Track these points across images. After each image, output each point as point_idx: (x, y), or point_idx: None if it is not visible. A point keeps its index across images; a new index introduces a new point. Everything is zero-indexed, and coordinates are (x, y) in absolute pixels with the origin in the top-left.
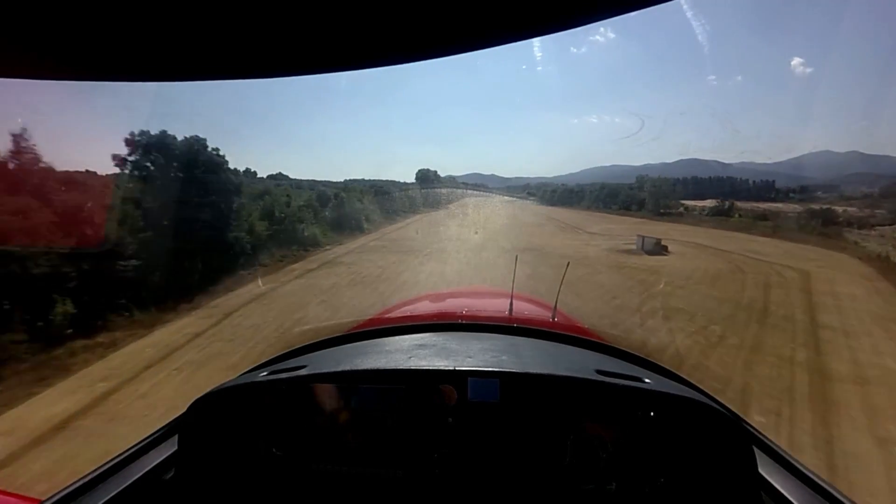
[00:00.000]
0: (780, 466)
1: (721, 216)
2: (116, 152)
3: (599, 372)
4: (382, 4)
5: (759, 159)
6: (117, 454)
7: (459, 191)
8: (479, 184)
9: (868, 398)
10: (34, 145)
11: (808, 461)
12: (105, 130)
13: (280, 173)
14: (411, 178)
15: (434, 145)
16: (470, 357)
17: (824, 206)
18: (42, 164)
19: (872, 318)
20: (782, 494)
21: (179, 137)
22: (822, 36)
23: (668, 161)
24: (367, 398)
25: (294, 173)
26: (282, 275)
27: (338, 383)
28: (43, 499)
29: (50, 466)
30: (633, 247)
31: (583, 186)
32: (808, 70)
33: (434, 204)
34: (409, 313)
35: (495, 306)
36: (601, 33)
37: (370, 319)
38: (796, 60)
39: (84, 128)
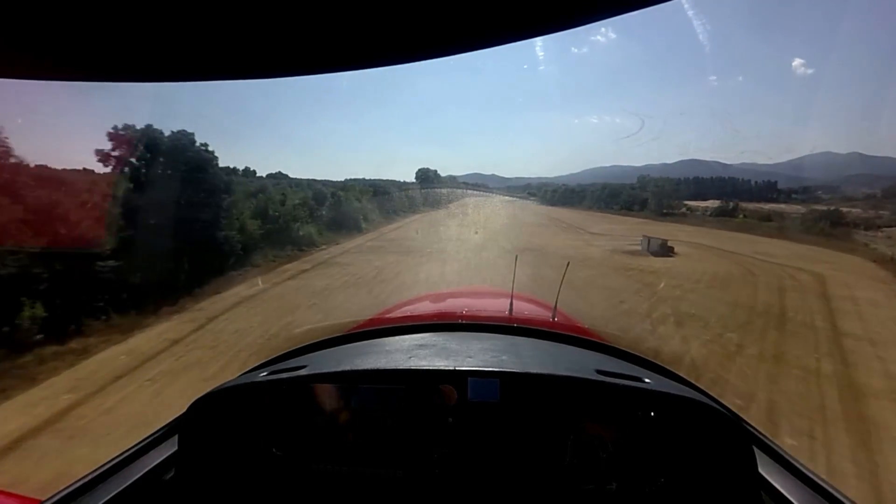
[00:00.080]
0: (780, 466)
1: (725, 217)
2: (99, 148)
3: (599, 372)
4: (382, 4)
5: (760, 160)
6: (117, 454)
7: (460, 190)
8: (480, 183)
9: None
10: (5, 138)
11: (856, 495)
12: (95, 129)
13: (279, 172)
14: (412, 178)
15: (435, 145)
16: (470, 357)
17: (831, 208)
18: (13, 160)
19: None
20: (782, 494)
21: (166, 132)
22: (822, 37)
23: (668, 162)
24: (368, 398)
25: (294, 173)
26: (273, 276)
27: (338, 383)
28: (43, 499)
29: None
30: (638, 248)
31: (584, 186)
32: (809, 71)
33: (434, 203)
34: (409, 313)
35: (495, 306)
36: (602, 33)
37: (370, 319)
38: (797, 61)
39: (71, 126)
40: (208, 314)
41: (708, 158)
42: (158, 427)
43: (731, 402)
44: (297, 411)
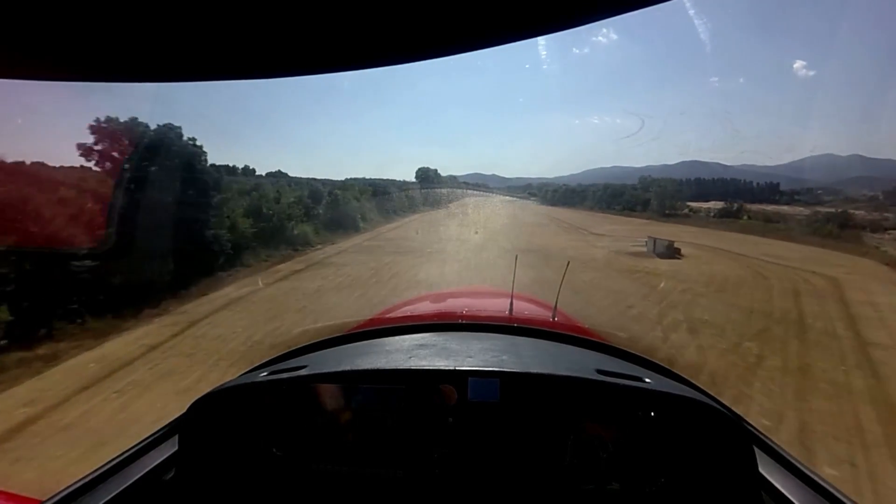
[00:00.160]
0: (781, 466)
1: (729, 218)
2: (80, 142)
3: (600, 371)
4: (383, 4)
5: (761, 161)
6: (117, 454)
7: (460, 190)
8: (480, 183)
9: None
10: None
11: None
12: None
13: (279, 171)
14: (412, 178)
15: (435, 145)
16: (470, 357)
17: (835, 210)
18: None
19: None
20: (782, 494)
21: (152, 126)
22: (823, 38)
23: (669, 163)
24: (368, 398)
25: (295, 172)
26: (264, 276)
27: (338, 383)
28: (43, 499)
29: None
30: (643, 249)
31: (585, 187)
32: (811, 73)
33: (434, 203)
34: (409, 313)
35: (495, 306)
36: (604, 34)
37: (370, 319)
38: (798, 62)
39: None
40: (191, 317)
41: (708, 159)
42: (158, 427)
43: (759, 423)
44: (298, 411)
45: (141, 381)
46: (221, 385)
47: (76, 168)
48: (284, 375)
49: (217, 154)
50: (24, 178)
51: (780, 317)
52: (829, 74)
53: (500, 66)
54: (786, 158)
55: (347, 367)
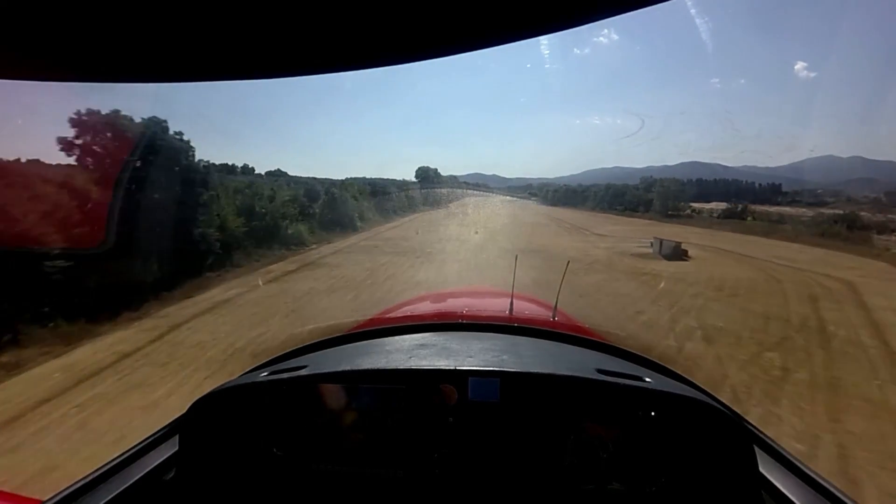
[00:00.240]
0: (781, 465)
1: (733, 219)
2: (61, 136)
3: (600, 371)
4: (382, 4)
5: (762, 162)
6: (118, 454)
7: (460, 190)
8: (481, 183)
9: None
10: None
11: None
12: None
13: (279, 170)
14: (412, 178)
15: (436, 145)
16: (470, 357)
17: (838, 211)
18: None
19: None
20: (783, 493)
21: (136, 119)
22: (823, 40)
23: (669, 164)
24: (368, 398)
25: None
26: (254, 277)
27: (338, 383)
28: (43, 499)
29: None
30: (649, 250)
31: (586, 187)
32: (812, 74)
33: (434, 203)
34: (409, 313)
35: (496, 306)
36: (605, 34)
37: (371, 319)
38: (799, 64)
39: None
40: (173, 321)
41: (709, 160)
42: (159, 427)
43: (792, 448)
44: (298, 411)
45: (106, 393)
46: (222, 385)
47: (51, 164)
48: (285, 375)
49: (217, 154)
50: None
51: (799, 324)
52: (829, 75)
53: (501, 67)
54: (786, 159)
55: (348, 367)
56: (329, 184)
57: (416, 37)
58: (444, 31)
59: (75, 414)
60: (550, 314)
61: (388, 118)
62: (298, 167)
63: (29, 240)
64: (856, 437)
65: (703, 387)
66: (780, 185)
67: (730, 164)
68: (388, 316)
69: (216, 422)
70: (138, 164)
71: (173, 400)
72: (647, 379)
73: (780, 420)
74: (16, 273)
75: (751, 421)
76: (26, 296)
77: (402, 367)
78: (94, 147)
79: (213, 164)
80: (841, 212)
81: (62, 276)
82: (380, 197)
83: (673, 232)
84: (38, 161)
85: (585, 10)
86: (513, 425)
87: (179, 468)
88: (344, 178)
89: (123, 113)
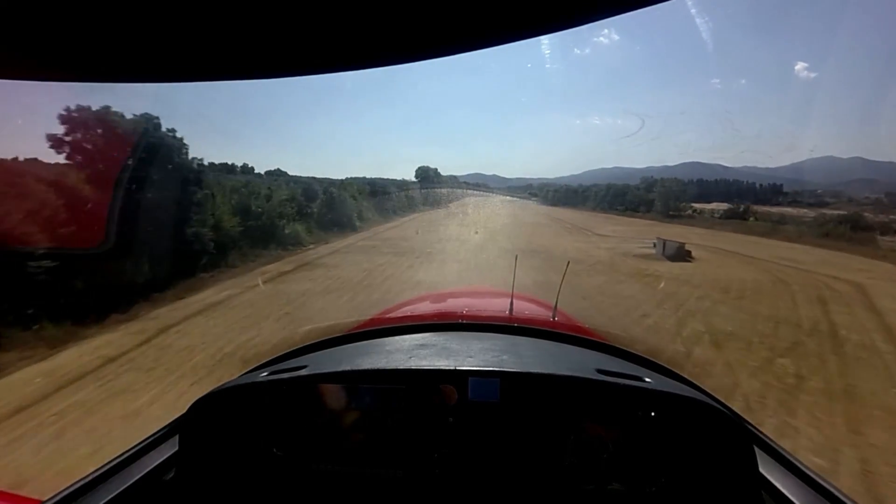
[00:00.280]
0: (781, 466)
1: (736, 219)
2: (50, 133)
3: (600, 371)
4: (382, 4)
5: (762, 163)
6: (118, 454)
7: (460, 190)
8: (481, 183)
9: None
10: None
11: None
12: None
13: (278, 170)
14: (413, 178)
15: (436, 145)
16: (470, 357)
17: (849, 212)
18: None
19: None
20: (783, 494)
21: (127, 115)
22: (823, 41)
23: (670, 164)
24: (368, 398)
25: (296, 172)
26: (249, 278)
27: (338, 383)
28: (43, 499)
29: None
30: (651, 251)
31: (586, 187)
32: (812, 75)
33: (434, 203)
34: (409, 313)
35: (496, 306)
36: (605, 34)
37: (371, 319)
38: (799, 64)
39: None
40: (162, 324)
41: (709, 160)
42: (159, 427)
43: (812, 462)
44: (298, 411)
45: (86, 401)
46: (222, 385)
47: (42, 163)
48: (285, 375)
49: (217, 154)
50: None
51: (809, 328)
52: (829, 76)
53: (501, 67)
54: (787, 159)
55: (348, 367)
56: (328, 183)
57: (416, 37)
58: (444, 31)
59: (52, 423)
60: (550, 314)
61: (388, 118)
62: (298, 167)
63: (14, 239)
64: (879, 450)
65: (703, 387)
66: (780, 185)
67: (730, 165)
68: (388, 316)
69: (216, 422)
70: (129, 162)
71: (155, 408)
72: (647, 379)
73: (798, 432)
74: (0, 273)
75: (765, 432)
76: (10, 297)
77: (402, 367)
78: (85, 145)
79: (213, 164)
80: (843, 212)
81: (48, 276)
82: (379, 197)
83: (675, 232)
84: (35, 160)
85: (585, 10)
86: (513, 425)
87: (179, 468)
88: (344, 177)
89: (114, 109)
